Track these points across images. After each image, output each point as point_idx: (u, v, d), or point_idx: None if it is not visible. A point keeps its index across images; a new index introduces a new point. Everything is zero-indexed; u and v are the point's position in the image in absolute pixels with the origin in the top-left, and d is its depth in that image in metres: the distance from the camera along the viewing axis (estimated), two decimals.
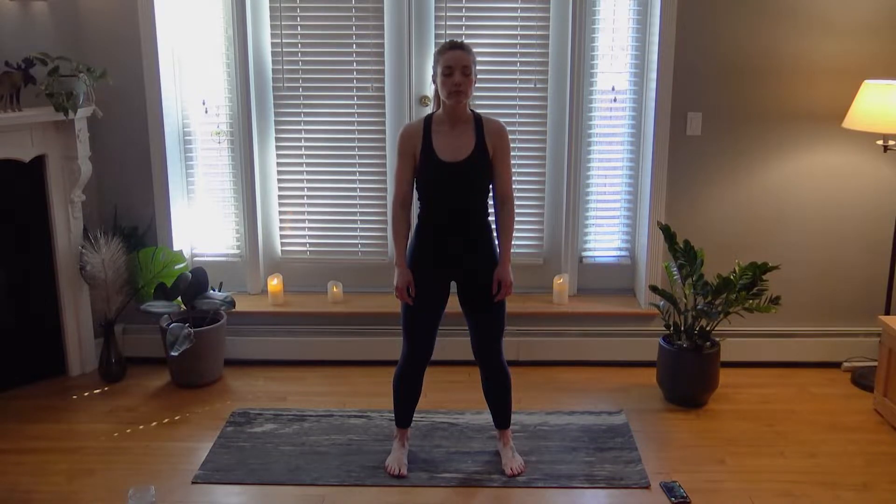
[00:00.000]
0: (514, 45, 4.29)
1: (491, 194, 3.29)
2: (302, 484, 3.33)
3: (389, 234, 4.39)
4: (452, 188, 3.19)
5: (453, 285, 3.33)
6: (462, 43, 3.14)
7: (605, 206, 4.55)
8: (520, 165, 4.35)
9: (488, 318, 3.31)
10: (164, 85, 4.23)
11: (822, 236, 4.30)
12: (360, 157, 4.46)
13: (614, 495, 3.28)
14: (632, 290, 4.59)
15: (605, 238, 4.60)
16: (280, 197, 4.53)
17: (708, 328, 3.95)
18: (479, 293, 3.27)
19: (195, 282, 4.18)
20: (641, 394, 4.11)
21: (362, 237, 4.56)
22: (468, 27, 4.26)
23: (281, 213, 4.56)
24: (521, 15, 4.25)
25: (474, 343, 3.37)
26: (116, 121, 4.24)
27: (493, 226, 3.31)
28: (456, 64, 3.07)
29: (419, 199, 3.27)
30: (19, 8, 3.91)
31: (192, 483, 3.34)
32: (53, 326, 4.24)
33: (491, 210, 3.30)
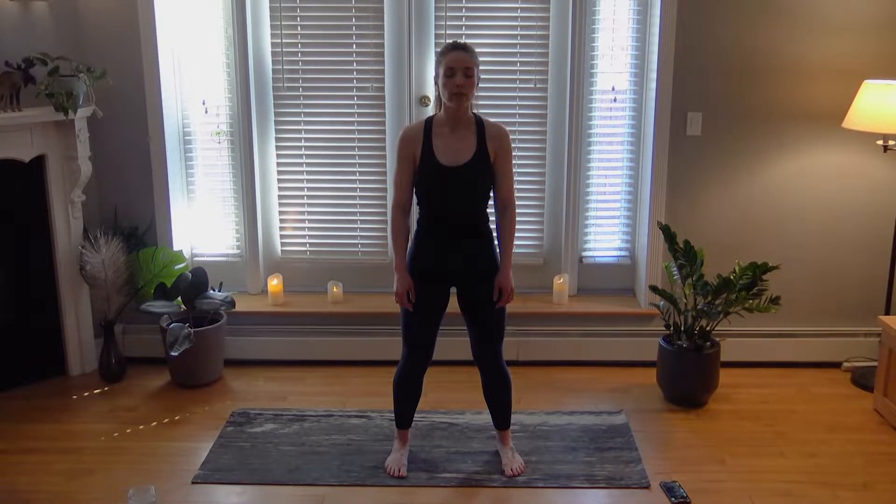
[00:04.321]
0: (514, 45, 4.29)
1: (491, 199, 3.28)
2: (302, 484, 3.33)
3: (389, 236, 4.38)
4: (452, 193, 3.17)
5: (453, 289, 3.32)
6: (465, 44, 3.13)
7: (605, 206, 4.55)
8: (520, 165, 4.35)
9: (488, 323, 3.30)
10: (164, 85, 4.23)
11: (821, 236, 4.30)
12: (360, 157, 4.45)
13: (614, 495, 3.28)
14: (632, 290, 4.59)
15: (605, 238, 4.60)
16: (280, 197, 4.53)
17: (708, 328, 3.95)
18: (480, 298, 3.26)
19: (195, 282, 4.18)
20: (641, 394, 4.11)
21: (362, 237, 4.56)
22: (468, 27, 4.26)
23: (281, 213, 4.56)
24: (521, 15, 4.25)
25: (474, 347, 3.36)
26: (116, 121, 4.24)
27: (494, 230, 3.30)
28: (458, 65, 3.06)
29: (418, 203, 3.25)
30: (19, 8, 3.91)
31: (192, 483, 3.34)
32: (53, 326, 4.24)
33: (491, 214, 3.29)
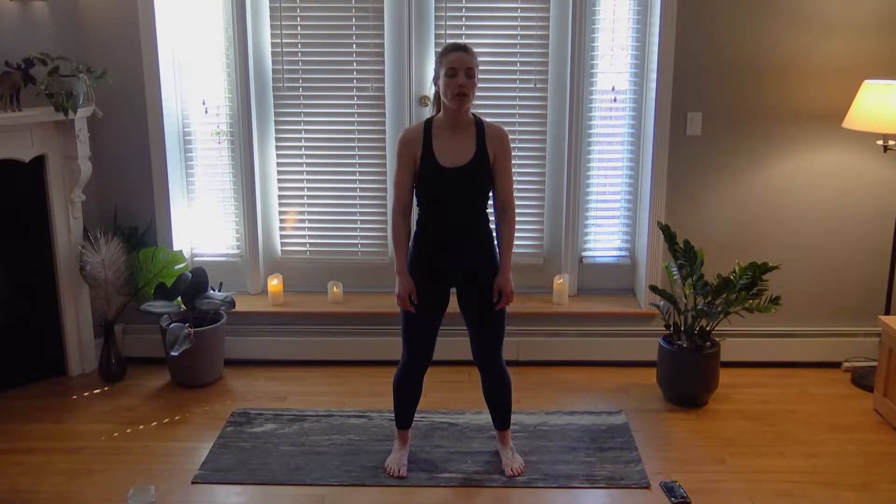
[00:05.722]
0: (514, 45, 4.29)
1: (491, 201, 3.27)
2: (302, 484, 3.33)
3: (389, 237, 4.39)
4: (452, 194, 3.17)
5: (452, 289, 3.32)
6: (465, 45, 3.13)
7: (605, 206, 4.55)
8: (520, 165, 4.35)
9: (488, 324, 3.30)
10: (164, 85, 4.23)
11: (822, 236, 4.30)
12: (360, 157, 4.46)
13: (614, 495, 3.28)
14: (632, 290, 4.59)
15: (605, 238, 4.60)
16: (280, 197, 4.53)
17: (708, 328, 3.95)
18: (479, 300, 3.26)
19: (195, 282, 4.18)
20: (641, 394, 4.11)
21: (362, 237, 4.56)
22: (468, 27, 4.26)
23: (281, 213, 4.56)
24: (521, 15, 4.25)
25: (474, 348, 3.36)
26: (116, 121, 4.24)
27: (494, 232, 3.30)
28: (460, 66, 3.06)
29: (418, 204, 3.25)
30: (19, 8, 3.91)
31: (192, 483, 3.34)
32: (53, 326, 4.24)
33: (491, 216, 3.28)
